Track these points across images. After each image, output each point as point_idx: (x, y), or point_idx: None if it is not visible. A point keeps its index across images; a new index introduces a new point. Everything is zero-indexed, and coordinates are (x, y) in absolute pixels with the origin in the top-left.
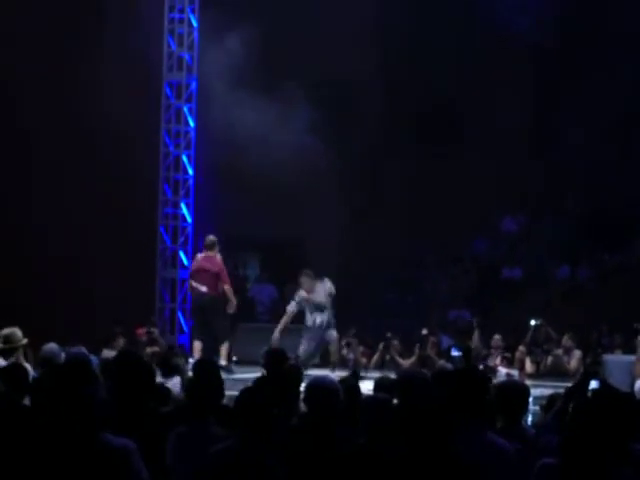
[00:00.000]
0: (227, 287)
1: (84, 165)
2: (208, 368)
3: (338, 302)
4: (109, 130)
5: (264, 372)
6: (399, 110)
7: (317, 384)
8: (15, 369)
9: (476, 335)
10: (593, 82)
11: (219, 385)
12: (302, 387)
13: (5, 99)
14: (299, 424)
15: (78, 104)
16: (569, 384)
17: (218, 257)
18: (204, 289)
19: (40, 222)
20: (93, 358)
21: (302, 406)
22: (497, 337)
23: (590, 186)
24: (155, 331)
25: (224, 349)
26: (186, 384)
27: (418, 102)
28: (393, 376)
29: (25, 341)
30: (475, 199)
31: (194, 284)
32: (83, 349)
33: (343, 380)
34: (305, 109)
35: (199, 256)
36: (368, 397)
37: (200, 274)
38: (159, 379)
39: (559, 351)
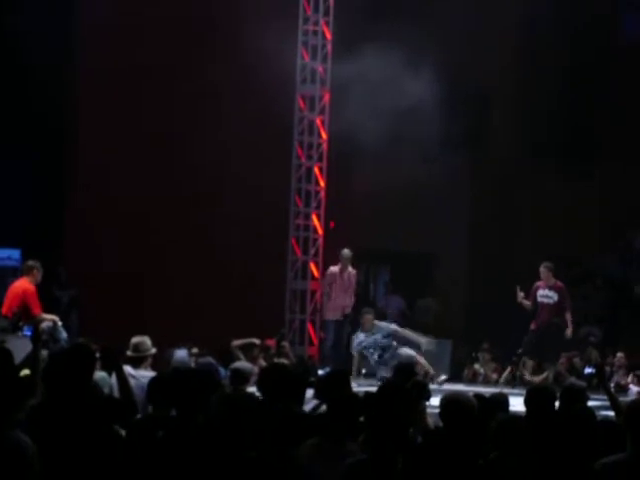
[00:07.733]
0: None
1: (217, 176)
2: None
3: (470, 315)
4: (242, 141)
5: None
6: (533, 124)
7: (455, 400)
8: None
9: (594, 354)
10: None
11: (358, 400)
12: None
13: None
14: (427, 441)
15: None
16: None
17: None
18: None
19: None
20: (221, 369)
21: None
22: (620, 355)
23: None
24: (286, 345)
25: None
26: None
27: (553, 118)
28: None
29: (154, 350)
30: (608, 216)
31: None
32: (211, 359)
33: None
34: (439, 119)
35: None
36: (506, 416)
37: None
38: None
39: None
